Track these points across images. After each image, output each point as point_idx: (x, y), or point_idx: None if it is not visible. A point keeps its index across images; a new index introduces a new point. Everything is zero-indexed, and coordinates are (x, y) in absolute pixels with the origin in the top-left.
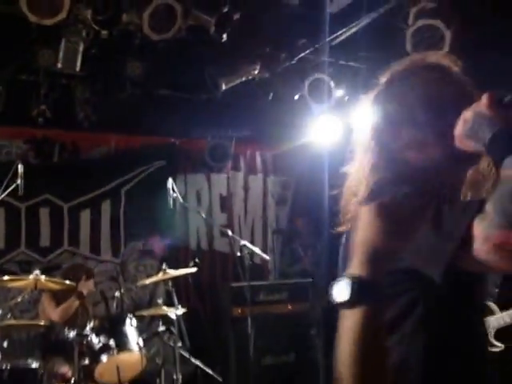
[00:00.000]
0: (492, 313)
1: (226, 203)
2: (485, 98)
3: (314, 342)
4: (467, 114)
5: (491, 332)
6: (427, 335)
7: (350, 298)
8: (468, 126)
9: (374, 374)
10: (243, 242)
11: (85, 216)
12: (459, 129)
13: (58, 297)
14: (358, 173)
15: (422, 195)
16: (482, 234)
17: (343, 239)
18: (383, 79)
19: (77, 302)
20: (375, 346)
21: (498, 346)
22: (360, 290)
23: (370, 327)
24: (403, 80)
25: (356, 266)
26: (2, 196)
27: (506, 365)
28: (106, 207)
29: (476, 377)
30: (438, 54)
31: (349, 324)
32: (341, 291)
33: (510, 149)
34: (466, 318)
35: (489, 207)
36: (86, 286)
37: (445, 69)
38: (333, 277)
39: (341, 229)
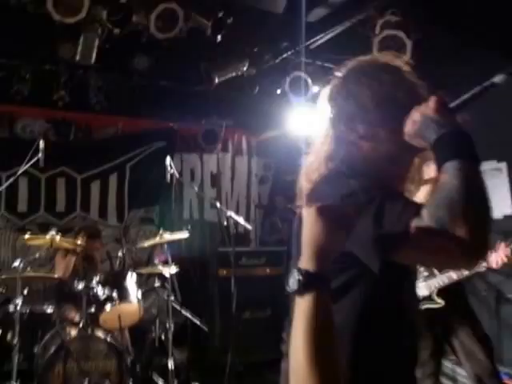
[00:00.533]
0: (434, 275)
1: (215, 180)
2: (432, 102)
3: (286, 300)
4: (416, 116)
5: (434, 291)
6: (362, 308)
7: (298, 289)
8: (416, 126)
9: (327, 354)
10: (229, 213)
11: (95, 186)
12: (408, 127)
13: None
14: (314, 162)
15: (367, 191)
16: (417, 237)
17: (297, 220)
18: (339, 74)
19: (73, 259)
20: (325, 326)
21: (440, 303)
22: (306, 281)
23: (319, 309)
24: (357, 79)
25: (304, 260)
26: (26, 167)
27: (446, 317)
28: (113, 180)
29: (400, 348)
30: (390, 54)
31: (301, 308)
32: (292, 282)
33: (451, 153)
34: (398, 296)
35: (424, 213)
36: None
37: (396, 69)
38: None
39: (297, 210)
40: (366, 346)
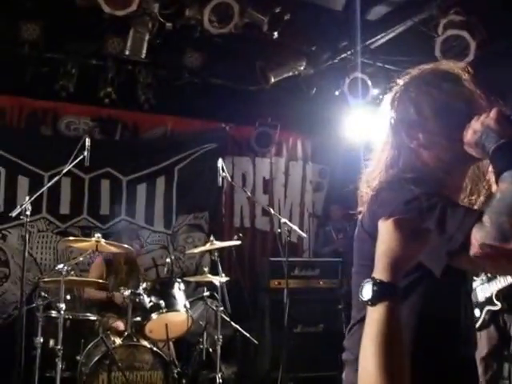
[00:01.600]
0: (495, 278)
1: (268, 186)
2: (493, 113)
3: (340, 315)
4: (476, 125)
5: (493, 293)
6: (420, 313)
7: (372, 298)
8: (476, 135)
9: (397, 363)
10: (283, 220)
11: (141, 189)
12: (468, 136)
13: (110, 267)
14: (375, 169)
15: (429, 197)
16: (479, 243)
17: (358, 225)
18: (401, 82)
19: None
20: (397, 336)
21: (497, 305)
22: (380, 291)
23: (391, 317)
24: (418, 87)
25: (379, 271)
26: (69, 167)
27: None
28: (160, 183)
29: (455, 355)
30: (450, 63)
31: (374, 317)
32: (366, 291)
33: (510, 162)
34: (455, 303)
35: (486, 219)
36: (119, 297)
37: (456, 78)
38: None
39: (358, 216)
40: (421, 350)
